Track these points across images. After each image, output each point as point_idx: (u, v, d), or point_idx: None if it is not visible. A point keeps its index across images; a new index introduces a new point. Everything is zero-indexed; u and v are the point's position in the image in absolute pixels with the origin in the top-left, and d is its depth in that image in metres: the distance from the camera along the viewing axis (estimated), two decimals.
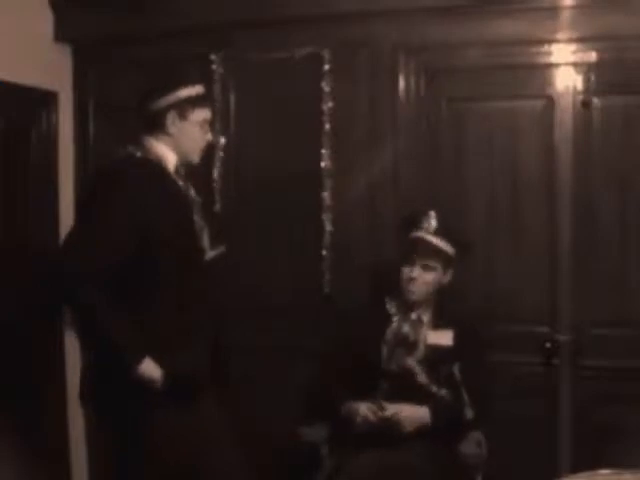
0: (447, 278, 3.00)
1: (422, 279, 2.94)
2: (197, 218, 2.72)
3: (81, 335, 2.72)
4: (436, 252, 2.94)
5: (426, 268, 2.94)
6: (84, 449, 3.78)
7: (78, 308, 2.58)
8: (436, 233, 2.94)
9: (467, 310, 3.12)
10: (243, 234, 3.51)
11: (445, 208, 3.19)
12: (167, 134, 2.66)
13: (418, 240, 2.96)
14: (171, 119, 2.65)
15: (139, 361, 2.49)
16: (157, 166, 2.64)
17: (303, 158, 3.44)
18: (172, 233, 2.57)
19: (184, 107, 2.66)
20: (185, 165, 2.73)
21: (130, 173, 2.58)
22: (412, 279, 2.93)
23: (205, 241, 2.74)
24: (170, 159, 2.68)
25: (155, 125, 2.66)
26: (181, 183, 2.70)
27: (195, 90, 2.70)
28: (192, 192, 2.74)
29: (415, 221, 2.98)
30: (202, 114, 2.70)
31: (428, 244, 2.94)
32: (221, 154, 3.54)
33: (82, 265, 2.46)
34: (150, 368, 2.51)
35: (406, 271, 2.96)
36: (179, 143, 2.68)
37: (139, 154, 2.64)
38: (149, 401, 2.52)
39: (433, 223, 2.94)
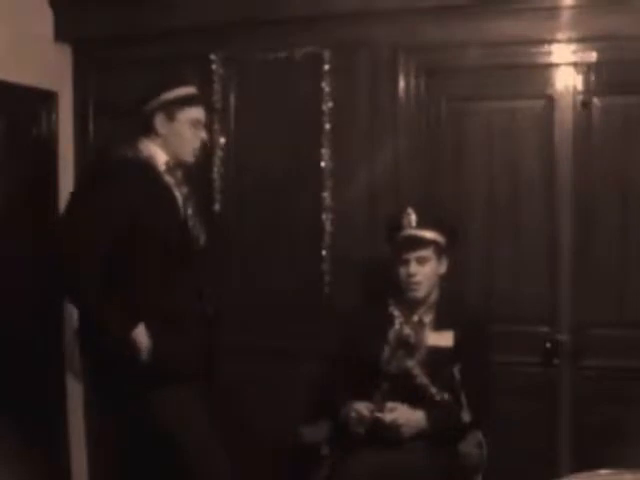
0: (443, 268, 3.01)
1: (420, 273, 2.94)
2: (190, 212, 2.80)
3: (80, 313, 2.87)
4: (425, 243, 2.95)
5: (421, 261, 2.95)
6: (84, 449, 3.79)
7: (78, 292, 2.71)
8: (419, 226, 2.95)
9: (469, 311, 3.12)
10: (243, 234, 3.52)
11: (445, 207, 3.21)
12: (158, 135, 2.77)
13: (404, 239, 2.96)
14: (160, 121, 2.75)
15: (134, 325, 2.64)
16: (145, 165, 2.73)
17: (303, 158, 3.44)
18: (157, 227, 2.67)
19: (170, 109, 2.75)
20: (180, 165, 2.78)
21: (117, 172, 2.69)
22: (411, 276, 2.94)
23: (198, 232, 2.82)
24: (160, 158, 2.77)
25: (147, 126, 2.76)
26: (171, 180, 2.77)
27: (182, 91, 2.77)
28: (184, 189, 2.82)
29: (396, 223, 2.99)
30: (191, 114, 2.77)
31: (415, 238, 2.95)
32: (221, 154, 3.54)
33: (82, 252, 2.63)
34: (142, 334, 2.65)
35: (403, 271, 2.96)
36: (169, 143, 2.77)
37: (129, 154, 2.73)
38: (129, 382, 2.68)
39: (413, 218, 2.95)
